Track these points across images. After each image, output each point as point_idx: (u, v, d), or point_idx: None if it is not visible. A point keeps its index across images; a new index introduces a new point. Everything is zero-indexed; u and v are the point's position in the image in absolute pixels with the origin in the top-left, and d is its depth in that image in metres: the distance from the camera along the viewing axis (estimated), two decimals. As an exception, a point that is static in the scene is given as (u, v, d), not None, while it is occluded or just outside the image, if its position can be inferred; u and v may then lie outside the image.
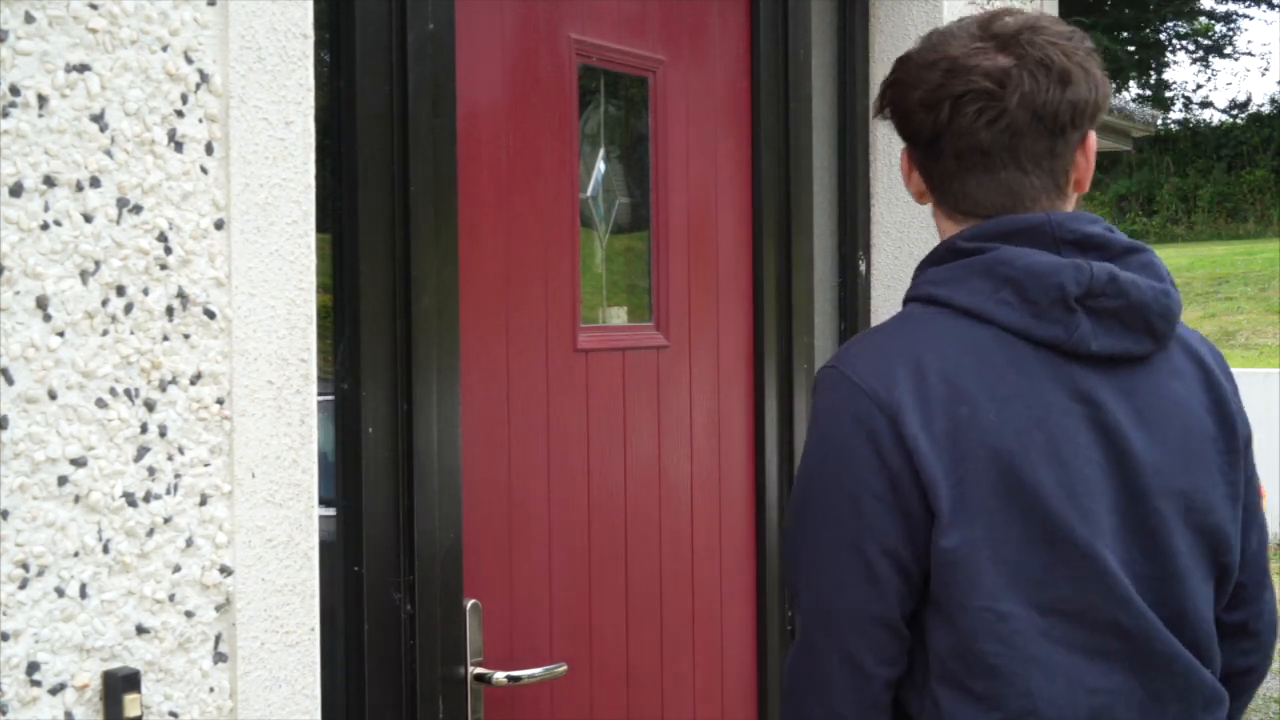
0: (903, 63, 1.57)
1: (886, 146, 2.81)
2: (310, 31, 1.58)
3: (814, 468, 1.48)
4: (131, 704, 1.39)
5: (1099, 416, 1.47)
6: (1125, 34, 24.35)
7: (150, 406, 1.44)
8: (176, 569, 1.46)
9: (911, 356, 1.45)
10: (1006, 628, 1.43)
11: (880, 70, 2.83)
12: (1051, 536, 1.44)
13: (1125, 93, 23.23)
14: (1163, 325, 1.49)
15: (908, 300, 1.55)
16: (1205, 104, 26.11)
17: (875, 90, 2.82)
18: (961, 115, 1.50)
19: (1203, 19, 24.94)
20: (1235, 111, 24.05)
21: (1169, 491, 1.48)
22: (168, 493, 1.45)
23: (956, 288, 1.49)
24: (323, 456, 1.67)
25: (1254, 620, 1.61)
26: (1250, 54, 31.11)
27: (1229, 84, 40.89)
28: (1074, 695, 1.47)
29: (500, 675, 1.92)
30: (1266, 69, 36.00)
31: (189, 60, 1.47)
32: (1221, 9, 26.38)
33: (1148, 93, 25.20)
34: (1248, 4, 26.71)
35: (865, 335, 1.54)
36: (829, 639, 1.48)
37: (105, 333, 1.40)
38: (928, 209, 1.74)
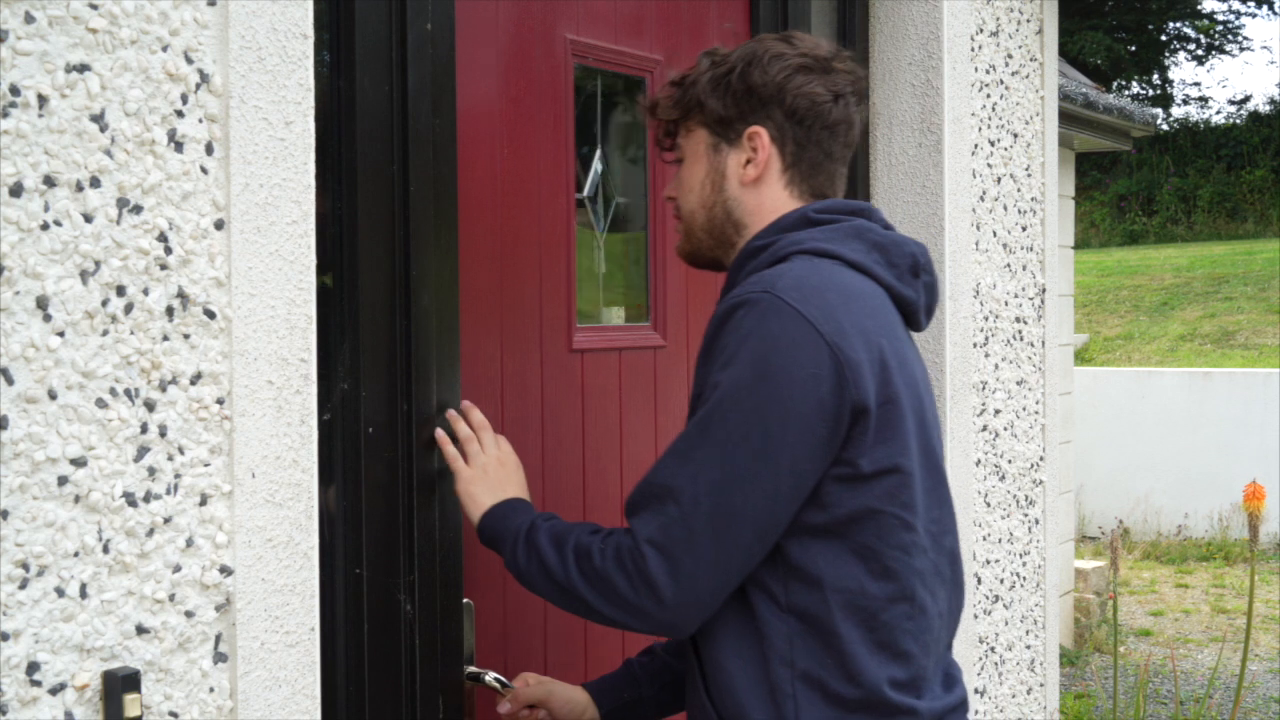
0: (791, 53, 1.70)
1: (886, 146, 2.81)
2: (310, 31, 1.59)
3: (750, 383, 1.51)
4: (131, 704, 1.39)
5: (919, 367, 1.70)
6: (1125, 34, 24.32)
7: (150, 406, 1.44)
8: (176, 569, 1.46)
9: (838, 292, 1.57)
10: (915, 542, 1.60)
11: (880, 70, 2.83)
12: (934, 464, 1.65)
13: (1125, 92, 23.22)
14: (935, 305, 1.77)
15: (795, 254, 1.63)
16: (1204, 99, 26.10)
17: (874, 91, 2.82)
18: (854, 110, 1.72)
19: (1203, 20, 24.90)
20: (1234, 111, 24.04)
21: (938, 436, 1.72)
22: (168, 493, 1.45)
23: (840, 246, 1.64)
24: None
25: None
26: (1250, 48, 30.95)
27: (1223, 84, 40.81)
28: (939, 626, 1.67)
29: (494, 676, 1.92)
30: (1272, 60, 35.94)
31: (189, 60, 1.47)
32: (1223, 7, 26.39)
33: (1148, 92, 25.17)
34: (1249, 3, 26.70)
35: (788, 270, 1.59)
36: (717, 539, 1.51)
37: (105, 333, 1.40)
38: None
